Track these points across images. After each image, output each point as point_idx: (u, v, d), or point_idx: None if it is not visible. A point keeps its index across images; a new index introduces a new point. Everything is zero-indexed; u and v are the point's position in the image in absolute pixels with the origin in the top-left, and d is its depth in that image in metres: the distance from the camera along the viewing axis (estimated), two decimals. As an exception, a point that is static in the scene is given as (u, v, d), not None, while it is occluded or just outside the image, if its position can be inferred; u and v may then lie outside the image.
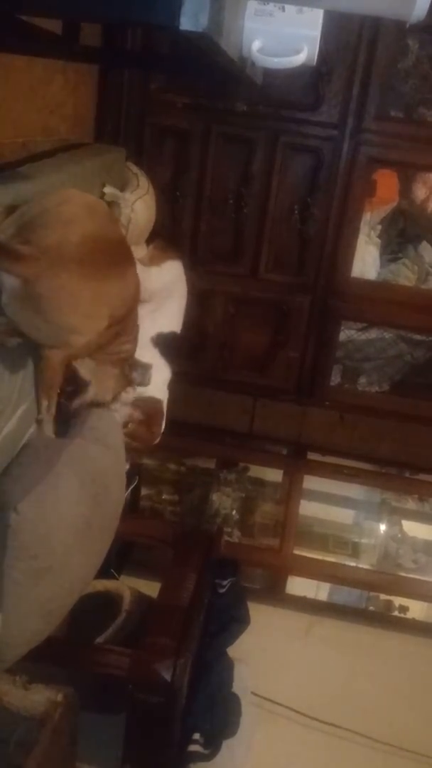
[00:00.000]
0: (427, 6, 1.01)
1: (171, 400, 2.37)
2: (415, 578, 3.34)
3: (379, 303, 2.78)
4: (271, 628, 2.95)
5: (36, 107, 2.18)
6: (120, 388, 1.87)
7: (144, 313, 1.90)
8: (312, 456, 3.33)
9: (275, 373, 2.92)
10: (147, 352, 2.12)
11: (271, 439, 3.42)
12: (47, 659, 1.88)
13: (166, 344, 2.35)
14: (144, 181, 2.40)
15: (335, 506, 3.65)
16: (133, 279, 1.67)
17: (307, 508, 3.39)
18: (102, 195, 2.15)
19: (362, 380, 3.03)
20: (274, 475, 3.52)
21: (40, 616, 1.60)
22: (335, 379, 3.00)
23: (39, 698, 1.93)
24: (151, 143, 2.69)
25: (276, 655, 2.91)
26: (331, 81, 2.55)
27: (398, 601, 3.43)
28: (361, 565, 3.46)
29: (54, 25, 1.75)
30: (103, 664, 2.14)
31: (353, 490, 3.60)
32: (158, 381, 2.18)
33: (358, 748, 2.64)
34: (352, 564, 3.42)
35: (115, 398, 1.89)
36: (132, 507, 3.25)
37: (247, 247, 2.77)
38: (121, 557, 3.07)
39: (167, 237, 2.63)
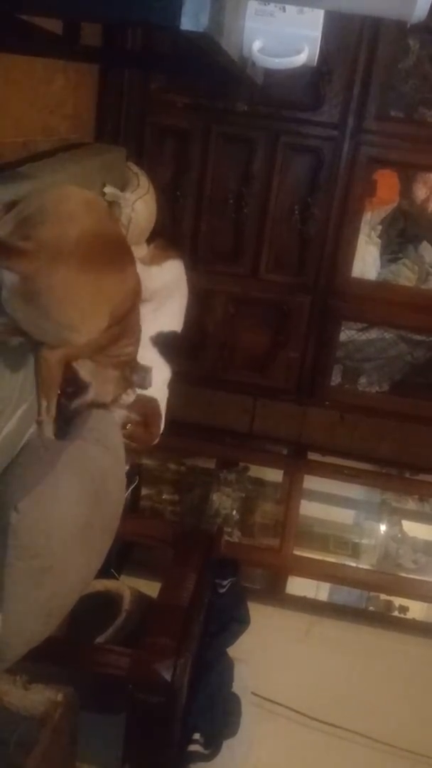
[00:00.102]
0: (428, 6, 1.01)
1: (171, 400, 2.37)
2: (415, 578, 3.34)
3: (379, 303, 2.78)
4: (271, 628, 2.95)
5: (36, 107, 2.18)
6: (120, 390, 1.87)
7: (145, 312, 1.90)
8: (312, 456, 3.33)
9: (275, 373, 2.92)
10: (147, 352, 2.12)
11: (271, 439, 3.42)
12: (47, 659, 1.88)
13: (166, 344, 2.35)
14: (144, 181, 2.40)
15: (335, 506, 3.64)
16: (132, 276, 1.67)
17: (308, 508, 3.39)
18: (102, 195, 2.15)
19: (362, 380, 3.03)
20: (274, 475, 3.52)
21: (40, 616, 1.60)
22: (335, 379, 3.00)
23: (39, 698, 1.93)
24: (151, 143, 2.69)
25: (276, 655, 2.91)
26: (332, 81, 2.55)
27: (398, 601, 3.43)
28: (361, 566, 3.45)
29: (54, 25, 1.75)
30: (103, 664, 2.14)
31: (353, 491, 3.59)
32: (158, 381, 2.18)
33: (358, 748, 2.64)
34: (353, 564, 3.42)
35: (115, 400, 1.89)
36: (132, 507, 3.25)
37: (247, 247, 2.77)
38: (121, 557, 3.07)
39: (168, 237, 2.63)
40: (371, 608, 3.50)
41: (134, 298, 1.70)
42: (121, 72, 2.63)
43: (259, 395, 3.28)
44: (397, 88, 2.65)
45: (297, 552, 3.18)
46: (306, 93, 2.58)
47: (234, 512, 3.48)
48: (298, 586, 3.34)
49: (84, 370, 1.74)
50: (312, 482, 3.32)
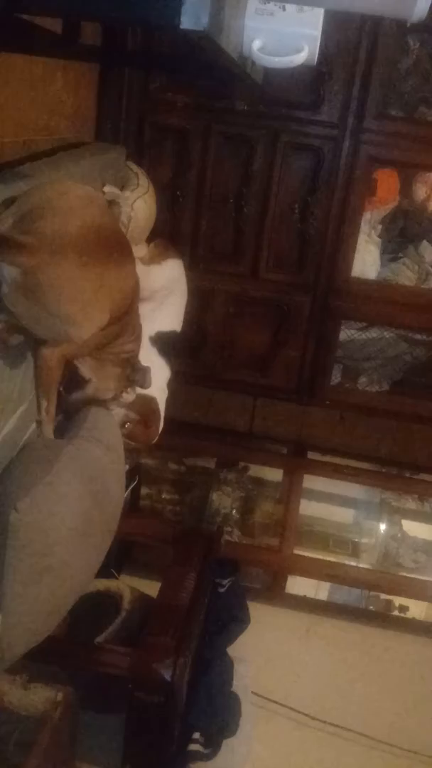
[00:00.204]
0: (427, 6, 1.01)
1: (171, 400, 2.37)
2: (415, 578, 3.34)
3: (379, 302, 2.78)
4: (271, 628, 2.95)
5: (36, 106, 2.18)
6: (121, 388, 1.87)
7: (144, 312, 1.90)
8: (312, 455, 3.33)
9: (275, 372, 2.92)
10: (146, 352, 2.12)
11: (271, 439, 3.42)
12: (47, 659, 1.88)
13: (165, 343, 2.35)
14: (144, 180, 2.40)
15: (335, 506, 3.65)
16: (131, 272, 1.67)
17: (307, 508, 3.39)
18: (102, 194, 2.15)
19: (362, 380, 3.03)
20: (274, 474, 3.52)
21: (40, 616, 1.60)
22: (335, 378, 3.00)
23: (39, 698, 1.93)
24: (151, 142, 2.69)
25: (276, 655, 2.91)
26: (332, 80, 2.55)
27: (398, 600, 3.43)
28: (361, 565, 3.46)
29: (54, 25, 1.74)
30: (103, 663, 2.14)
31: (353, 490, 3.60)
32: (158, 380, 2.18)
33: (358, 748, 2.64)
34: (352, 563, 3.42)
35: (116, 398, 1.89)
36: (132, 507, 3.25)
37: (247, 246, 2.77)
38: (121, 557, 3.07)
39: (167, 236, 2.63)
40: (371, 608, 3.50)
41: (133, 296, 1.70)
42: (121, 72, 2.63)
43: (259, 395, 3.28)
44: (397, 88, 2.65)
45: (297, 551, 3.18)
46: (306, 92, 2.58)
47: (234, 512, 3.48)
48: (298, 585, 3.34)
49: (84, 366, 1.74)
50: (312, 482, 3.33)
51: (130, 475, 2.39)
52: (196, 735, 2.28)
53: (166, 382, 2.37)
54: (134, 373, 1.85)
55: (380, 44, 2.50)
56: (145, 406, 2.18)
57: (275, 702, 2.71)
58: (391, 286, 2.83)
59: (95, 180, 2.11)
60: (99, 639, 2.36)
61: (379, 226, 2.85)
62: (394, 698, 2.85)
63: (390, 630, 3.18)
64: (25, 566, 1.49)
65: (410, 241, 2.88)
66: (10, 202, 1.48)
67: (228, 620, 2.61)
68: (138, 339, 1.84)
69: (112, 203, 2.20)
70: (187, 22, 0.84)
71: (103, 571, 2.23)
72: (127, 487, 2.13)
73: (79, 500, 1.63)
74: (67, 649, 2.18)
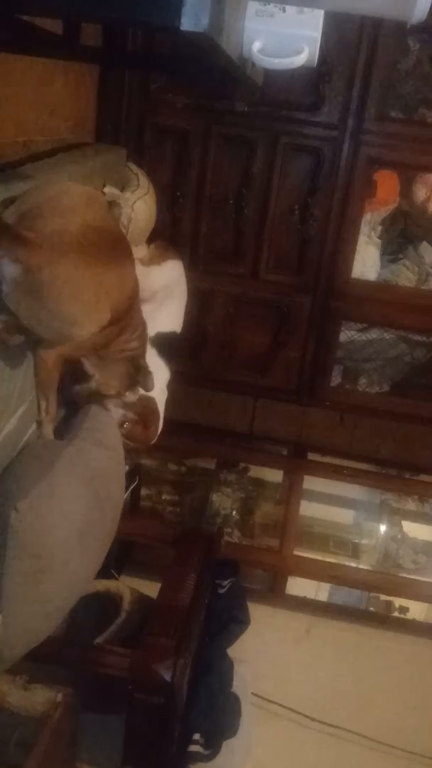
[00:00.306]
0: (427, 7, 1.01)
1: (171, 400, 2.37)
2: (416, 579, 3.33)
3: (379, 303, 2.78)
4: (271, 629, 2.95)
5: (36, 107, 2.18)
6: (124, 386, 1.87)
7: (144, 312, 1.90)
8: (312, 456, 3.33)
9: (276, 373, 2.93)
10: (147, 352, 2.12)
11: (271, 440, 3.42)
12: (47, 659, 1.88)
13: (165, 344, 2.35)
14: (144, 181, 2.41)
15: (335, 507, 3.65)
16: (131, 273, 1.67)
17: (308, 509, 3.39)
18: (102, 195, 2.15)
19: (363, 381, 3.03)
20: (274, 475, 3.52)
21: (40, 616, 1.60)
22: (336, 379, 3.00)
23: (39, 698, 1.93)
24: (151, 143, 2.69)
25: (276, 656, 2.91)
26: (332, 81, 2.55)
27: (398, 601, 3.43)
28: (361, 566, 3.45)
29: (55, 26, 1.75)
30: (103, 664, 2.14)
31: (353, 491, 3.60)
32: (157, 381, 2.17)
33: (358, 749, 2.64)
34: (353, 564, 3.42)
35: (118, 395, 1.89)
36: (132, 507, 3.25)
37: (247, 247, 2.77)
38: (121, 557, 3.07)
39: (168, 237, 2.64)
40: (371, 609, 3.50)
41: (133, 296, 1.71)
42: (122, 72, 2.63)
43: (259, 395, 3.28)
44: (397, 89, 2.65)
45: (297, 552, 3.18)
46: (306, 93, 2.58)
47: (234, 512, 3.48)
48: (298, 586, 3.33)
49: (88, 362, 1.74)
50: (312, 482, 3.32)
51: (130, 475, 2.39)
52: (196, 736, 2.27)
53: (166, 382, 2.37)
54: (138, 374, 1.85)
55: (380, 45, 2.50)
56: (144, 407, 2.17)
57: (275, 703, 2.71)
58: (391, 287, 2.84)
59: (95, 181, 2.12)
60: (99, 640, 2.36)
61: (379, 228, 2.85)
62: (394, 699, 2.85)
63: (390, 631, 3.18)
64: (25, 566, 1.49)
65: (410, 243, 2.89)
66: (10, 202, 1.48)
67: (228, 621, 2.60)
68: (142, 337, 1.84)
69: (112, 204, 2.20)
70: (187, 24, 0.84)
71: (103, 572, 2.23)
72: (127, 487, 2.13)
73: (79, 501, 1.63)
74: (67, 650, 2.18)
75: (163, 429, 2.32)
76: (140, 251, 2.38)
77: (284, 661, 2.92)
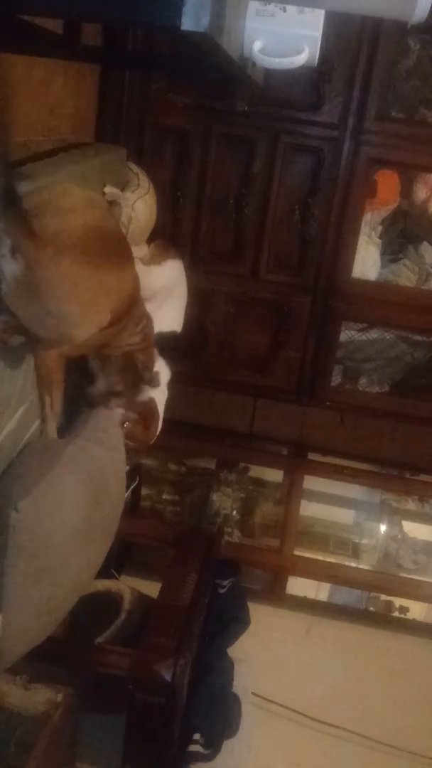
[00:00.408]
0: (428, 7, 1.01)
1: (171, 401, 2.37)
2: (416, 579, 3.33)
3: (379, 303, 2.78)
4: (271, 629, 2.95)
5: (37, 107, 2.18)
6: (126, 386, 1.87)
7: (145, 312, 1.90)
8: (312, 456, 3.33)
9: (276, 373, 2.92)
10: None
11: (271, 439, 3.42)
12: (47, 659, 1.88)
13: (165, 344, 2.35)
14: (145, 181, 2.41)
15: (336, 507, 3.65)
16: (131, 274, 1.67)
17: (308, 509, 3.39)
18: (103, 195, 2.15)
19: (363, 381, 3.03)
20: (274, 475, 3.52)
21: (40, 616, 1.60)
22: (336, 379, 3.00)
23: (39, 698, 1.93)
24: (151, 143, 2.69)
25: (276, 656, 2.91)
26: (332, 81, 2.55)
27: (398, 601, 3.43)
28: (361, 566, 3.46)
29: (55, 25, 1.75)
30: (103, 664, 2.14)
31: (353, 491, 3.60)
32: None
33: (358, 749, 2.64)
34: (353, 564, 3.42)
35: (122, 394, 1.89)
36: (132, 507, 3.25)
37: (247, 247, 2.77)
38: (121, 557, 3.07)
39: (168, 237, 2.64)
40: (371, 609, 3.50)
41: (133, 297, 1.70)
42: (122, 72, 2.63)
43: (260, 395, 3.28)
44: (398, 89, 2.65)
45: (297, 552, 3.18)
46: (306, 93, 2.58)
47: (234, 512, 3.48)
48: (298, 586, 3.34)
49: (93, 363, 1.75)
50: (312, 482, 3.33)
51: (131, 475, 2.39)
52: (197, 736, 2.27)
53: (166, 382, 2.37)
54: (144, 372, 1.86)
55: (381, 45, 2.50)
56: (145, 407, 2.18)
57: (275, 703, 2.71)
58: (391, 287, 2.84)
59: (96, 181, 2.12)
60: (99, 640, 2.36)
61: (380, 227, 2.85)
62: (395, 699, 2.85)
63: (390, 631, 3.18)
64: (25, 566, 1.49)
65: (410, 242, 2.89)
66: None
67: (228, 621, 2.60)
68: (144, 330, 1.83)
69: (112, 204, 2.20)
70: (187, 24, 0.84)
71: (104, 572, 2.23)
72: (127, 487, 2.13)
73: (79, 500, 1.63)
74: (68, 650, 2.18)
75: (163, 429, 2.32)
76: (140, 251, 2.38)
77: (284, 661, 2.92)
